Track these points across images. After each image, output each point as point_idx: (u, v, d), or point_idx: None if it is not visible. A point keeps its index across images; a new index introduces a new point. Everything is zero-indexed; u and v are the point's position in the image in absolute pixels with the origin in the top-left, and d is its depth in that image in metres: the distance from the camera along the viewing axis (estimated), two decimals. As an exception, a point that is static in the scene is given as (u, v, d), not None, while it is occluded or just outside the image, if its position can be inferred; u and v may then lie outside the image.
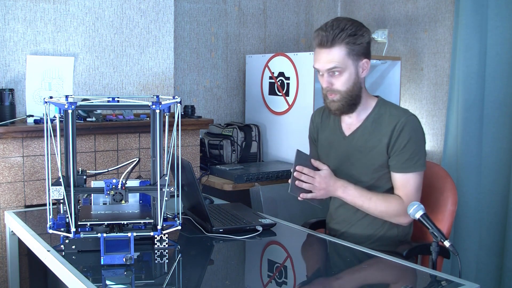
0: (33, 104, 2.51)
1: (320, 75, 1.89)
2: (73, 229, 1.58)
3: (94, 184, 1.76)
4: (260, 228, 1.86)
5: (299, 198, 1.82)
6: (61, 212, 1.65)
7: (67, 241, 1.61)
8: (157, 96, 1.65)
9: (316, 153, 2.12)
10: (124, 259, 1.50)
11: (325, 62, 1.84)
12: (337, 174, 1.97)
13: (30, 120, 2.45)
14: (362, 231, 1.94)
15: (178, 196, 1.72)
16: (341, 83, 1.85)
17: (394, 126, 1.85)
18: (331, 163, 2.01)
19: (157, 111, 1.63)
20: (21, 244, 2.03)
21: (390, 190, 1.92)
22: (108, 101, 1.63)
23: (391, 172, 1.89)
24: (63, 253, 1.60)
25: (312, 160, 1.86)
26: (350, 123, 1.96)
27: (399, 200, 1.85)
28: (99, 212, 1.71)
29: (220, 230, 1.82)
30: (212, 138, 3.18)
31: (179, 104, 1.65)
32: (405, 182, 1.86)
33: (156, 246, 1.66)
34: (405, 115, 1.87)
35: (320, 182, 1.81)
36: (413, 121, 1.87)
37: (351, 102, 1.89)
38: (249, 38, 3.52)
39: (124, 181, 1.64)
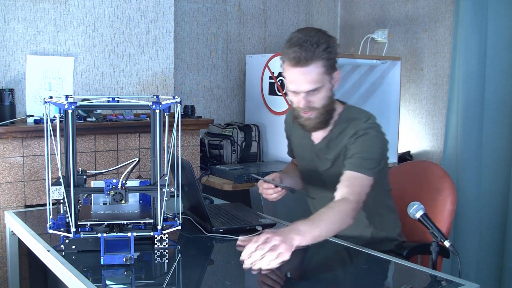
0: (33, 104, 2.51)
1: (293, 93, 1.76)
2: (73, 229, 1.58)
3: (94, 184, 1.76)
4: (260, 228, 1.86)
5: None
6: (61, 212, 1.65)
7: (67, 241, 1.61)
8: (157, 96, 1.65)
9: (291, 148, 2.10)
10: (124, 259, 1.50)
11: (303, 83, 1.70)
12: (312, 179, 1.95)
13: (30, 120, 2.45)
14: (349, 233, 1.86)
15: (178, 196, 1.72)
16: (319, 100, 1.75)
17: (351, 136, 1.78)
18: (304, 169, 2.00)
19: (157, 111, 1.63)
20: (21, 244, 2.02)
21: (368, 196, 1.75)
22: (108, 101, 1.62)
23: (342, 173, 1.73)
24: (63, 253, 1.60)
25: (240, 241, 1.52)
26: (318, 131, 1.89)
27: (344, 203, 1.62)
28: (99, 212, 1.71)
29: (220, 230, 1.82)
30: (212, 138, 3.18)
31: (179, 104, 1.65)
32: (353, 178, 1.69)
33: (156, 246, 1.66)
34: (361, 120, 1.79)
35: (273, 239, 1.39)
36: (368, 126, 1.78)
37: (328, 117, 1.80)
38: (249, 38, 3.52)
39: (124, 181, 1.64)
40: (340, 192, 1.66)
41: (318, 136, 1.89)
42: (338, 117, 1.85)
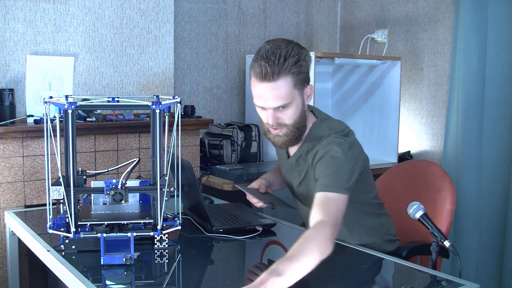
0: (33, 104, 2.51)
1: (261, 109, 1.67)
2: (73, 229, 1.58)
3: (94, 184, 1.76)
4: (260, 228, 1.86)
5: None
6: (61, 212, 1.66)
7: (67, 241, 1.61)
8: (157, 96, 1.65)
9: None
10: (124, 259, 1.50)
11: (271, 99, 1.61)
12: (291, 190, 1.92)
13: (30, 120, 2.45)
14: (342, 237, 1.85)
15: (178, 196, 1.72)
16: (288, 116, 1.65)
17: (314, 156, 1.69)
18: (284, 178, 1.95)
19: (157, 111, 1.63)
20: (21, 244, 2.03)
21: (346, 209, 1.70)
22: (108, 101, 1.63)
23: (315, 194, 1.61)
24: (63, 253, 1.60)
25: None
26: None
27: (320, 229, 1.46)
28: (99, 212, 1.71)
29: (220, 230, 1.82)
30: (212, 138, 3.18)
31: (179, 104, 1.65)
32: (326, 200, 1.56)
33: (156, 246, 1.66)
34: (327, 136, 1.69)
35: None
36: (333, 141, 1.67)
37: (298, 133, 1.71)
38: (249, 38, 3.52)
39: (124, 181, 1.64)
40: (316, 216, 1.50)
41: (293, 150, 1.82)
42: (308, 134, 1.75)
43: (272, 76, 1.57)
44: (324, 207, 1.53)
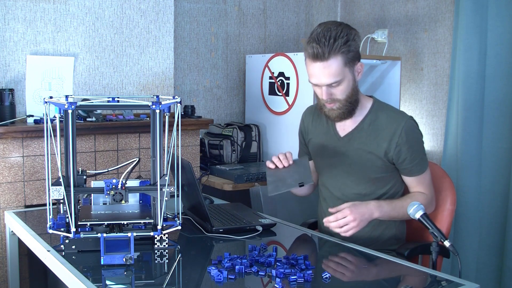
0: (33, 104, 2.51)
1: (316, 86, 1.85)
2: (73, 229, 1.58)
3: (94, 184, 1.76)
4: (260, 228, 1.86)
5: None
6: (61, 212, 1.66)
7: (67, 241, 1.61)
8: (157, 96, 1.65)
9: (306, 152, 2.11)
10: (124, 259, 1.50)
11: (323, 77, 1.78)
12: (333, 175, 1.96)
13: (30, 120, 2.45)
14: (359, 233, 1.91)
15: (178, 196, 1.72)
16: (340, 92, 1.82)
17: (394, 132, 1.85)
18: (325, 164, 2.00)
19: (157, 111, 1.63)
20: (21, 244, 2.03)
21: (388, 191, 1.91)
22: (108, 101, 1.63)
23: (404, 176, 1.91)
24: (63, 253, 1.60)
25: (330, 209, 1.80)
26: (344, 124, 1.94)
27: (423, 195, 1.90)
28: (99, 212, 1.71)
29: (220, 230, 1.82)
30: (212, 138, 3.18)
31: (179, 104, 1.66)
32: (422, 180, 1.90)
33: (156, 246, 1.66)
34: (403, 119, 1.87)
35: (355, 218, 1.73)
36: (412, 124, 1.89)
37: (351, 107, 1.87)
38: (249, 38, 3.52)
39: (124, 181, 1.64)
40: (417, 190, 1.92)
41: (345, 128, 1.94)
42: (371, 108, 1.92)
43: (323, 55, 1.75)
44: (422, 187, 1.91)
